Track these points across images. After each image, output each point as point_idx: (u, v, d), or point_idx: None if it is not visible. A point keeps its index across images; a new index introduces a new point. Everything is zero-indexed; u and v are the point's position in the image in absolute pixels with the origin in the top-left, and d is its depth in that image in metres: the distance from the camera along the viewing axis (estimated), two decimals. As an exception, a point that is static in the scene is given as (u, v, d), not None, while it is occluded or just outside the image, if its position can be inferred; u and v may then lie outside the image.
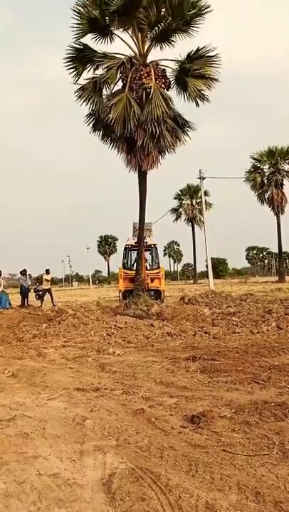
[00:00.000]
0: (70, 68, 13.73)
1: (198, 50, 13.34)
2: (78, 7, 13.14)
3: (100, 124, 13.72)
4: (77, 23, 13.34)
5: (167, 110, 12.96)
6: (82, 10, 13.19)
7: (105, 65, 13.21)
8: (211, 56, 13.35)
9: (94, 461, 3.09)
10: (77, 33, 13.49)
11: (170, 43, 13.72)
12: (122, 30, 13.70)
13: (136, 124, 12.70)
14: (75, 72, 13.83)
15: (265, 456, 3.12)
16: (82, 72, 13.79)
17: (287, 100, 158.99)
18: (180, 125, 13.84)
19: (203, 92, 13.64)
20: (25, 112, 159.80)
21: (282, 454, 3.14)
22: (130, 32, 13.72)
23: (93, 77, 13.56)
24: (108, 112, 12.72)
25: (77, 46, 13.61)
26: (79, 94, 13.65)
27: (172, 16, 12.86)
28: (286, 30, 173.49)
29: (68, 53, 13.60)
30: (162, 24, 12.90)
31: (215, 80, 13.54)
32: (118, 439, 3.49)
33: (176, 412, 4.13)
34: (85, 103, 13.67)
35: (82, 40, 13.60)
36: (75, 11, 13.15)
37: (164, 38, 13.50)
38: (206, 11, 13.03)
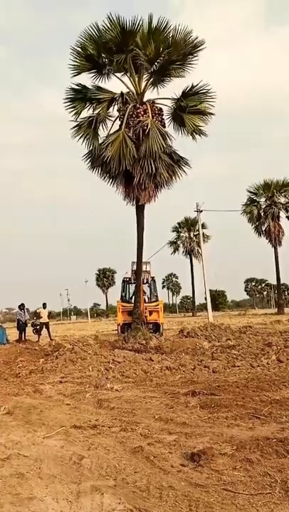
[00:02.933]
0: (69, 108, 14.21)
1: (192, 87, 13.88)
2: (77, 47, 13.69)
3: (98, 161, 14.06)
4: (74, 62, 13.90)
5: (164, 145, 13.32)
6: (80, 50, 13.72)
7: (98, 97, 13.73)
8: (206, 92, 13.89)
9: (91, 502, 2.99)
10: (75, 71, 14.06)
11: (167, 79, 14.28)
12: (120, 73, 14.28)
13: (132, 161, 13.02)
14: (74, 111, 14.30)
15: (267, 495, 3.03)
16: (80, 111, 14.28)
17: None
18: (175, 161, 14.24)
19: (200, 127, 14.11)
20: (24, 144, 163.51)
21: (284, 492, 3.05)
22: (128, 73, 14.25)
23: (90, 117, 14.03)
24: (104, 150, 13.11)
25: (76, 87, 14.16)
26: (75, 131, 14.13)
27: (168, 55, 13.44)
28: (273, 63, 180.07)
29: (67, 94, 14.15)
30: (158, 62, 13.49)
31: (211, 114, 14.06)
32: (116, 478, 3.39)
33: (176, 450, 4.03)
34: (81, 140, 14.15)
35: (80, 79, 14.24)
36: (73, 50, 13.71)
37: (160, 75, 14.08)
38: (200, 48, 13.66)
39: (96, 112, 13.95)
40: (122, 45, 13.36)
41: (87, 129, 14.01)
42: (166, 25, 13.40)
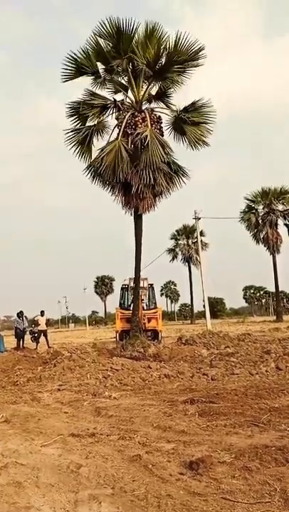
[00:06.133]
0: (72, 115, 14.16)
1: (193, 103, 13.81)
2: (73, 53, 13.55)
3: (96, 171, 14.02)
4: (69, 67, 13.76)
5: (164, 156, 13.24)
6: (77, 55, 13.58)
7: (96, 105, 13.70)
8: (206, 108, 13.83)
9: (89, 511, 2.97)
10: (67, 77, 13.89)
11: (168, 84, 14.17)
12: (117, 75, 14.19)
13: (127, 172, 12.98)
14: (76, 121, 14.23)
15: (266, 503, 3.01)
16: (82, 121, 14.22)
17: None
18: (174, 170, 14.20)
19: (203, 138, 14.05)
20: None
21: (283, 501, 3.02)
22: (126, 78, 14.23)
23: (86, 128, 13.96)
24: (100, 161, 13.11)
25: (74, 104, 14.03)
26: (69, 140, 14.06)
27: (167, 62, 13.40)
28: (274, 72, 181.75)
29: (68, 110, 14.12)
30: (157, 68, 13.41)
31: (212, 123, 13.97)
32: (114, 487, 3.36)
33: (174, 458, 4.00)
34: (76, 150, 14.11)
35: (79, 90, 14.24)
36: (69, 55, 13.58)
37: (160, 80, 14.03)
38: (199, 56, 13.55)
39: (91, 122, 13.89)
40: (120, 49, 13.28)
41: (83, 140, 13.95)
42: (164, 31, 13.37)
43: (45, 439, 4.73)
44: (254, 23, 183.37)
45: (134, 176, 13.11)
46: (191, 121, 13.83)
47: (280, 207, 40.50)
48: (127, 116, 13.57)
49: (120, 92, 14.44)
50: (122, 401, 6.80)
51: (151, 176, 13.01)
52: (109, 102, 13.92)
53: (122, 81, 14.44)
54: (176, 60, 13.46)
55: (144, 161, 12.85)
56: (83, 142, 14.02)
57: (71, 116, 14.17)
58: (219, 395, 6.71)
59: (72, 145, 14.09)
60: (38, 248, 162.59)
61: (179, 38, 13.20)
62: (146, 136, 12.92)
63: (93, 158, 13.99)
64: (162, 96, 14.54)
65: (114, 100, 13.95)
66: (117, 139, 13.39)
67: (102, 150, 13.58)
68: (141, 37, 13.45)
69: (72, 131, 14.09)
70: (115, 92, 14.56)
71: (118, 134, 13.53)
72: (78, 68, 13.79)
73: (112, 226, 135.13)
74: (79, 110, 14.00)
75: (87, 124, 14.14)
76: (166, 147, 13.58)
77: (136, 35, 13.39)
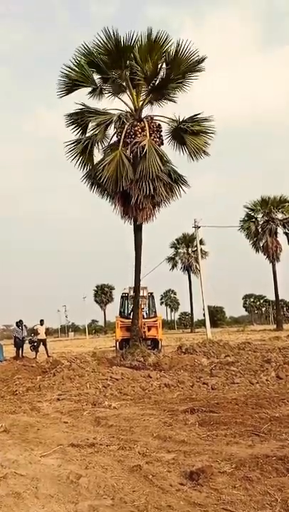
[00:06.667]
0: (74, 131, 14.12)
1: (192, 117, 13.76)
2: (70, 64, 13.43)
3: (96, 181, 13.99)
4: (66, 79, 13.60)
5: (162, 167, 13.15)
6: (76, 65, 13.41)
7: (96, 122, 13.57)
8: (206, 122, 13.79)
9: (88, 522, 2.94)
10: (64, 90, 13.76)
11: (165, 97, 14.13)
12: (115, 84, 14.04)
13: (129, 182, 12.89)
14: (76, 131, 14.17)
15: (267, 514, 2.99)
16: (82, 131, 14.23)
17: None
18: (174, 180, 14.13)
19: (203, 148, 13.97)
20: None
21: (285, 512, 3.01)
22: (124, 85, 14.05)
23: (86, 138, 13.89)
24: (101, 171, 12.95)
25: (75, 110, 13.91)
26: (70, 152, 14.00)
27: (167, 71, 13.31)
28: (273, 87, 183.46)
29: (68, 118, 13.99)
30: (157, 79, 13.35)
31: (212, 133, 13.88)
32: (114, 498, 3.34)
33: (175, 468, 3.98)
34: (76, 161, 14.05)
35: (78, 98, 14.01)
36: (66, 67, 13.43)
37: (159, 92, 13.94)
38: (200, 65, 13.48)
39: (91, 133, 13.82)
40: (118, 61, 13.20)
41: (83, 151, 13.88)
42: (166, 40, 13.14)
43: (45, 449, 4.71)
44: (252, 34, 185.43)
45: (134, 186, 13.03)
46: (191, 131, 13.80)
47: (280, 215, 40.61)
48: (126, 127, 13.49)
49: (119, 98, 14.35)
50: (122, 411, 6.76)
51: (150, 186, 12.94)
52: (114, 117, 13.72)
53: (121, 90, 14.29)
54: (176, 71, 13.37)
55: (142, 171, 12.79)
56: (84, 152, 13.98)
57: (71, 124, 14.10)
58: (219, 404, 6.68)
59: (73, 156, 14.07)
60: (38, 257, 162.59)
61: (180, 48, 13.06)
62: (144, 145, 12.87)
63: (94, 167, 13.92)
64: (162, 99, 14.39)
65: (124, 114, 13.83)
66: (117, 148, 13.29)
67: (103, 159, 13.53)
68: (141, 46, 13.21)
69: (72, 143, 14.07)
70: (114, 94, 14.38)
71: (118, 145, 13.46)
72: (74, 82, 13.65)
73: (111, 235, 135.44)
74: (78, 120, 13.98)
75: (87, 134, 14.11)
76: (163, 157, 13.49)
77: (136, 45, 13.21)
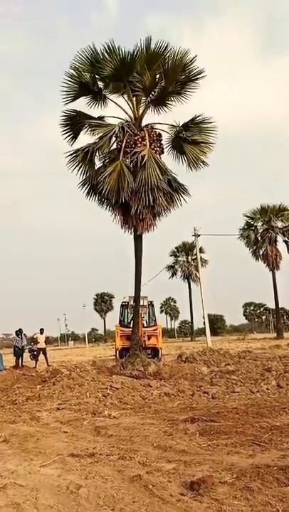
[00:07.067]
0: (66, 132, 14.14)
1: (193, 119, 13.71)
2: (71, 70, 13.46)
3: (95, 190, 13.88)
4: (68, 87, 13.67)
5: (161, 177, 13.02)
6: (74, 74, 13.48)
7: (98, 135, 13.39)
8: (207, 124, 13.74)
9: (88, 533, 2.92)
10: (69, 97, 13.86)
11: (165, 106, 14.12)
12: (116, 95, 14.12)
13: (130, 193, 12.80)
14: (70, 137, 14.24)
15: (268, 525, 2.97)
16: (76, 137, 14.30)
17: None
18: (174, 189, 14.02)
19: (202, 158, 13.89)
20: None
21: (286, 522, 2.99)
22: (125, 96, 14.09)
23: (85, 147, 13.80)
24: (102, 182, 12.81)
25: (71, 113, 13.94)
26: (71, 161, 13.93)
27: (166, 80, 13.25)
28: (273, 95, 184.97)
29: (63, 119, 14.02)
30: (157, 89, 13.30)
31: (212, 143, 13.84)
32: (114, 508, 3.31)
33: (175, 478, 3.95)
34: (76, 169, 13.98)
35: (75, 104, 14.06)
36: (68, 74, 13.47)
37: (159, 101, 13.93)
38: (199, 76, 13.47)
39: (97, 143, 13.57)
40: (120, 74, 13.19)
41: (83, 159, 13.81)
42: (164, 49, 13.10)
43: (45, 459, 4.68)
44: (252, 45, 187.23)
45: (134, 196, 12.94)
46: (191, 140, 13.75)
47: (279, 224, 40.73)
48: (126, 137, 13.39)
49: (119, 106, 14.24)
50: (122, 420, 6.73)
51: (150, 196, 12.83)
52: (115, 129, 13.42)
53: (121, 99, 14.26)
54: (175, 81, 13.35)
55: (141, 181, 12.69)
56: (84, 162, 13.90)
57: (64, 126, 14.08)
58: (220, 413, 6.65)
59: (73, 166, 14.02)
60: (38, 266, 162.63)
61: (178, 58, 13.05)
62: (144, 155, 12.78)
63: (95, 175, 13.81)
64: (161, 108, 14.31)
65: (124, 124, 13.65)
66: (117, 158, 13.20)
67: (104, 170, 13.36)
68: (140, 57, 13.16)
69: (72, 153, 14.01)
70: (115, 103, 14.36)
71: (118, 155, 13.35)
72: (81, 87, 13.71)
73: (111, 243, 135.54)
74: (73, 128, 13.94)
75: (89, 143, 14.01)
76: (163, 167, 13.36)
77: (135, 55, 13.16)
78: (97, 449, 5.09)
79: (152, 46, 13.12)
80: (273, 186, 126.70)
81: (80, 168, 14.04)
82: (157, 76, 13.39)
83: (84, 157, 13.84)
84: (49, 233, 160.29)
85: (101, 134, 13.33)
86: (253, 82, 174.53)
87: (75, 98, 14.06)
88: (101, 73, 13.46)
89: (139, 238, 13.92)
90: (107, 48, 13.03)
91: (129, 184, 12.72)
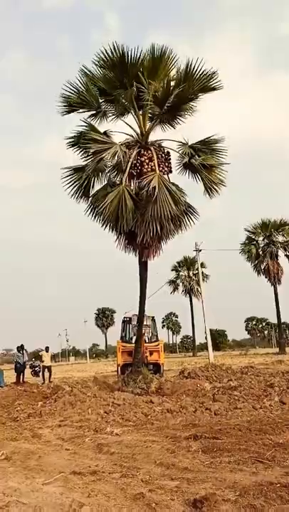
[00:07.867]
0: (72, 146, 12.90)
1: (204, 139, 12.71)
2: (71, 83, 12.38)
3: (96, 212, 12.86)
4: (69, 100, 12.58)
5: (174, 208, 11.60)
6: (74, 86, 12.39)
7: (99, 155, 11.96)
8: (219, 144, 12.69)
9: None
10: (65, 110, 12.83)
11: (176, 119, 13.10)
12: (120, 107, 12.99)
13: (132, 222, 11.69)
14: (80, 154, 12.95)
15: None
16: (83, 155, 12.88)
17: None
18: (183, 212, 12.67)
19: (219, 185, 12.72)
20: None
21: None
22: (129, 107, 12.83)
23: (83, 166, 12.78)
24: (102, 208, 11.68)
25: (79, 130, 12.57)
26: (67, 180, 12.96)
27: (179, 89, 11.97)
28: (272, 112, 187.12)
29: (69, 138, 12.81)
30: (167, 98, 11.97)
31: (227, 163, 12.76)
32: (117, 527, 3.31)
33: (178, 496, 3.94)
34: (74, 188, 12.95)
35: (78, 118, 12.59)
36: (67, 86, 12.38)
37: (170, 114, 12.85)
38: (216, 85, 12.27)
39: (93, 164, 12.26)
40: (123, 78, 12.08)
41: (79, 179, 12.81)
42: (173, 57, 12.11)
43: (47, 477, 4.66)
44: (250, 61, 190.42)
45: (140, 225, 11.71)
46: (206, 165, 12.59)
47: (280, 238, 40.83)
48: (132, 157, 12.12)
49: (123, 121, 13.20)
50: (124, 437, 6.70)
51: (158, 227, 11.61)
52: (114, 148, 11.90)
53: (125, 112, 13.17)
54: (189, 90, 12.21)
55: (151, 214, 11.40)
56: (80, 180, 12.90)
57: (72, 146, 12.89)
58: (222, 430, 6.61)
59: (69, 184, 13.00)
60: (39, 281, 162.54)
61: (190, 65, 11.85)
62: (155, 187, 11.27)
63: (95, 201, 12.83)
64: (171, 122, 13.26)
65: (129, 142, 12.64)
66: (120, 183, 11.98)
67: (104, 190, 12.53)
68: (146, 64, 12.13)
69: (70, 171, 13.08)
70: (119, 117, 13.30)
71: (121, 179, 12.22)
72: (74, 106, 12.69)
73: (113, 258, 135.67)
74: (78, 143, 12.66)
75: (88, 161, 12.70)
76: (176, 195, 11.88)
77: (143, 63, 12.17)
78: (99, 466, 5.07)
79: (158, 53, 12.16)
80: (274, 201, 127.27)
81: (78, 189, 13.04)
82: (166, 84, 12.00)
83: (80, 177, 12.87)
84: (51, 248, 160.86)
85: (103, 155, 11.87)
86: (252, 96, 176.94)
87: (69, 112, 12.94)
88: (104, 80, 12.39)
89: (144, 266, 12.99)
90: (109, 48, 11.83)
91: (131, 215, 11.61)
